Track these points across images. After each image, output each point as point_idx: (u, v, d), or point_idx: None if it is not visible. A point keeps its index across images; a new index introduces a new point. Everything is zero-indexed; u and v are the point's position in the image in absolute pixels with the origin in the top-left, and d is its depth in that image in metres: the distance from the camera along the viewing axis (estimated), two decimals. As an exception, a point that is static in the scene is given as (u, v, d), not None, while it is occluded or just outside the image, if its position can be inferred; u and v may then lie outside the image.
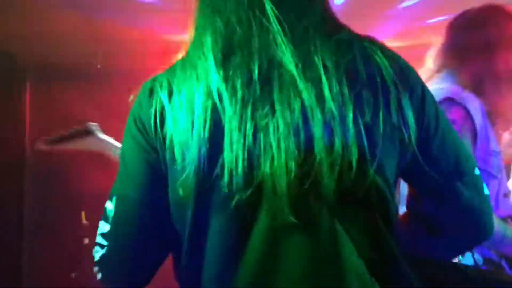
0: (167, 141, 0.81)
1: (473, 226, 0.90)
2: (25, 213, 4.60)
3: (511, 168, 1.82)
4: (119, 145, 1.67)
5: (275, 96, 0.78)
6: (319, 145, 0.76)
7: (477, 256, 1.38)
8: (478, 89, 1.43)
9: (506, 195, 1.51)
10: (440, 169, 0.86)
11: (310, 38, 0.82)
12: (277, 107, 0.77)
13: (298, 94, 0.78)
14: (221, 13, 0.84)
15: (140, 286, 0.91)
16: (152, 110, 0.82)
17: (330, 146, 0.76)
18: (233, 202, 0.76)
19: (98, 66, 4.55)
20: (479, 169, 1.35)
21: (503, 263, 1.44)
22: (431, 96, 0.88)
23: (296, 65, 0.78)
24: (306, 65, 0.79)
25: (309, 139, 0.76)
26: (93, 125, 1.71)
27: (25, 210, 4.60)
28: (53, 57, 4.48)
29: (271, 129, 0.76)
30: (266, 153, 0.76)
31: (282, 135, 0.76)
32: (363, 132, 0.78)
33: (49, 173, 4.27)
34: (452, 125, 1.01)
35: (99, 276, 0.90)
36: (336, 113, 0.77)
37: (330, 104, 0.77)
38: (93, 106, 4.13)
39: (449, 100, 1.39)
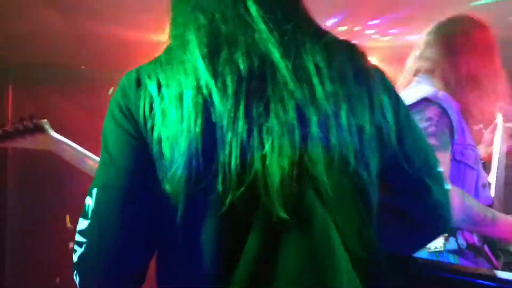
0: (155, 135, 0.78)
1: (439, 218, 0.96)
2: (8, 217, 4.52)
3: (491, 163, 1.92)
4: (73, 145, 1.55)
5: (269, 94, 0.77)
6: (314, 145, 0.77)
7: (460, 241, 1.46)
8: (449, 90, 1.57)
9: (484, 185, 1.64)
10: (413, 165, 0.91)
11: (299, 39, 0.83)
12: (271, 106, 0.77)
13: (291, 94, 0.78)
14: (203, 11, 0.83)
15: None
16: (142, 102, 0.79)
17: (326, 145, 0.77)
18: (227, 201, 0.74)
19: (82, 67, 4.50)
20: (458, 161, 1.52)
21: (486, 248, 1.53)
22: (401, 97, 0.94)
23: (287, 66, 0.79)
24: (297, 66, 0.80)
25: (304, 138, 0.77)
26: (44, 122, 1.56)
27: (8, 214, 4.52)
28: (36, 58, 4.41)
29: (264, 128, 0.76)
30: (260, 152, 0.76)
31: (276, 134, 0.76)
32: (355, 131, 0.80)
33: (33, 176, 4.21)
34: (419, 124, 1.16)
35: (77, 280, 0.81)
36: (330, 112, 0.78)
37: (324, 104, 0.78)
38: (77, 107, 4.07)
39: (426, 100, 1.53)
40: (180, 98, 0.77)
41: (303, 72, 0.80)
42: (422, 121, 1.55)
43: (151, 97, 0.79)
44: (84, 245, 0.80)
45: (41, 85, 4.58)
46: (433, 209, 0.94)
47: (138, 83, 0.81)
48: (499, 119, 1.97)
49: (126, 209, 0.79)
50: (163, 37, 0.92)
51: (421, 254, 1.53)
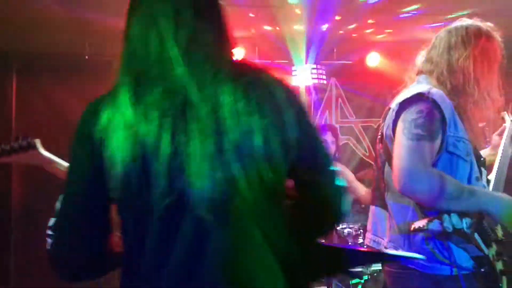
0: (105, 155, 1.00)
1: (329, 208, 1.13)
2: (12, 212, 4.56)
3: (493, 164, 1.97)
4: (59, 161, 1.79)
5: (189, 128, 0.98)
6: (233, 168, 0.97)
7: (447, 224, 1.54)
8: (445, 91, 1.68)
9: (477, 178, 1.72)
10: (314, 165, 1.10)
11: (219, 82, 1.01)
12: (192, 136, 0.97)
13: (209, 126, 0.98)
14: (134, 55, 1.05)
15: (90, 275, 1.11)
16: (96, 128, 1.01)
17: (242, 162, 0.98)
18: (160, 207, 0.96)
19: (86, 57, 4.52)
20: (450, 152, 1.63)
21: (476, 236, 1.60)
22: (305, 110, 1.12)
23: (204, 103, 0.99)
24: (213, 103, 0.99)
25: (225, 163, 0.97)
26: (36, 141, 1.80)
27: (13, 209, 4.57)
28: (40, 49, 4.43)
29: (187, 154, 0.97)
30: (186, 172, 0.96)
31: (198, 160, 0.96)
32: (266, 149, 1.00)
33: (37, 171, 4.23)
34: (411, 116, 1.60)
35: (51, 265, 1.07)
36: (242, 138, 0.98)
37: (236, 132, 0.98)
38: (80, 97, 4.08)
39: (419, 95, 1.65)
40: (121, 128, 0.99)
41: (219, 108, 0.99)
42: (414, 114, 1.63)
43: (102, 125, 1.01)
44: (52, 237, 1.11)
45: (44, 74, 4.60)
46: (323, 200, 1.11)
47: (95, 112, 1.03)
48: (507, 121, 2.04)
49: (80, 210, 1.05)
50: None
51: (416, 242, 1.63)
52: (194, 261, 0.96)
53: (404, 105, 1.67)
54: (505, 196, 1.69)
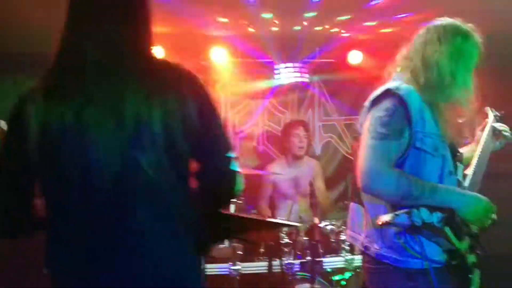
0: (32, 140, 1.21)
1: (227, 189, 1.37)
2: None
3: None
4: None
5: (98, 112, 1.21)
6: (137, 147, 1.20)
7: (416, 218, 1.58)
8: (417, 88, 1.70)
9: (451, 172, 1.73)
10: (212, 150, 1.31)
11: (129, 74, 1.24)
12: (100, 119, 1.20)
13: (116, 111, 1.20)
14: (60, 47, 1.29)
15: (12, 233, 1.39)
16: (25, 115, 1.22)
17: (145, 148, 1.21)
18: (74, 180, 1.20)
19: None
20: (417, 148, 1.65)
21: (448, 230, 1.62)
22: (210, 98, 1.33)
23: (113, 94, 1.22)
24: (122, 94, 1.21)
25: (130, 143, 1.20)
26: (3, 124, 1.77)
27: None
28: (18, 47, 4.36)
29: (97, 133, 1.20)
30: (95, 149, 1.19)
31: (105, 140, 1.20)
32: (169, 131, 1.22)
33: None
34: (377, 113, 1.65)
35: None
36: (144, 122, 1.20)
37: (140, 119, 1.20)
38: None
39: (387, 91, 1.68)
40: (40, 110, 1.21)
41: (125, 96, 1.21)
42: (380, 111, 1.67)
43: (30, 114, 1.22)
44: None
45: (20, 73, 4.51)
46: (217, 181, 1.34)
47: (24, 102, 1.25)
48: (490, 116, 2.06)
49: (5, 178, 1.30)
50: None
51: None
52: (101, 230, 1.20)
53: (374, 102, 1.70)
54: (471, 194, 1.71)
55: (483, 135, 1.99)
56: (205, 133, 1.28)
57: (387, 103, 1.66)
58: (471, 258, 1.68)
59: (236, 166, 1.36)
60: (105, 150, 1.19)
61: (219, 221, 1.43)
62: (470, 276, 1.66)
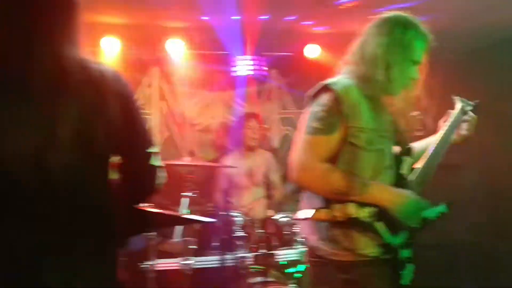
0: None
1: (146, 184, 1.41)
2: None
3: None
4: None
5: (23, 111, 1.23)
6: (58, 143, 1.23)
7: (338, 213, 1.61)
8: (359, 82, 1.70)
9: (390, 166, 1.73)
10: (133, 146, 1.36)
11: (54, 74, 1.26)
12: (27, 118, 1.23)
13: (42, 109, 1.23)
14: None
15: None
16: None
17: (66, 144, 1.24)
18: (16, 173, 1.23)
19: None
20: (351, 143, 1.65)
21: (380, 225, 1.64)
22: (132, 95, 1.38)
23: (38, 93, 1.24)
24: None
25: (52, 137, 1.23)
26: None
27: None
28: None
29: (26, 129, 1.22)
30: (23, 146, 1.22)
31: (30, 135, 1.22)
32: (89, 128, 1.28)
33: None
34: (313, 109, 1.67)
35: None
36: (68, 122, 1.24)
37: (62, 116, 1.24)
38: None
39: (324, 87, 1.69)
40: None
41: (51, 95, 1.24)
42: (316, 106, 1.68)
43: None
44: None
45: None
46: (138, 175, 1.39)
47: None
48: (457, 107, 1.99)
49: None
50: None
51: None
52: (23, 228, 1.22)
53: (313, 97, 1.71)
54: (401, 192, 1.70)
55: (445, 125, 1.94)
56: (127, 130, 1.33)
57: (323, 98, 1.66)
58: (405, 253, 1.70)
59: (158, 161, 1.41)
60: (23, 149, 1.21)
61: (136, 215, 1.49)
62: (401, 271, 1.68)
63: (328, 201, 1.65)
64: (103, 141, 1.29)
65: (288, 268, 3.42)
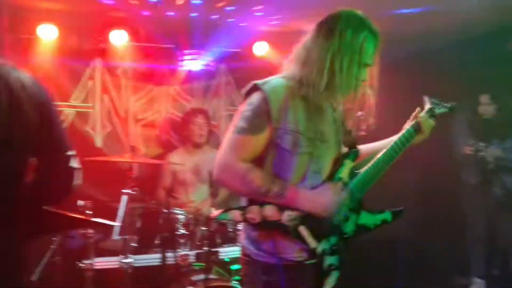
0: None
1: (63, 185, 1.45)
2: None
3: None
4: None
5: None
6: None
7: (251, 215, 1.60)
8: (295, 82, 1.65)
9: (316, 171, 1.67)
10: (51, 148, 1.38)
11: None
12: None
13: None
14: None
15: None
16: None
17: None
18: None
19: None
20: (277, 145, 1.63)
21: (303, 229, 1.63)
22: (49, 98, 1.41)
23: None
24: None
25: None
26: None
27: None
28: None
29: None
30: None
31: None
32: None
33: None
34: (243, 108, 1.63)
35: None
36: None
37: None
38: None
39: (254, 85, 1.65)
40: None
41: None
42: (245, 105, 1.65)
43: None
44: None
45: None
46: (55, 177, 1.42)
47: None
48: (426, 107, 1.91)
49: None
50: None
51: None
52: None
53: (245, 96, 1.68)
54: (314, 191, 1.64)
55: (404, 127, 1.87)
56: (43, 132, 1.35)
57: (252, 98, 1.63)
58: (330, 260, 1.66)
59: (75, 163, 1.45)
60: None
61: (47, 216, 1.50)
62: (325, 278, 1.66)
63: (251, 201, 1.63)
64: (19, 144, 1.30)
65: (231, 265, 3.41)
